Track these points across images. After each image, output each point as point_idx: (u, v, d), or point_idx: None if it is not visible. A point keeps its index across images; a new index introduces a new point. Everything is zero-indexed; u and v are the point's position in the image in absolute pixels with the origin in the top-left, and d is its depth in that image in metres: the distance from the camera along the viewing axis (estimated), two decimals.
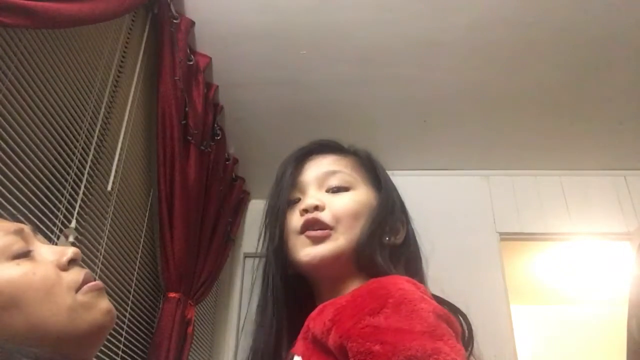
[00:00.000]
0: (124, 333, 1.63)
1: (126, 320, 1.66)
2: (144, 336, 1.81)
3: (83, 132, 1.42)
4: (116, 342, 1.57)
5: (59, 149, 1.31)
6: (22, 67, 1.15)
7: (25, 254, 0.63)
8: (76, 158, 1.38)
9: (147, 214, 1.88)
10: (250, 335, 0.79)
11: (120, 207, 1.65)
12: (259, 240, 0.84)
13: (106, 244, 1.53)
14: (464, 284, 2.42)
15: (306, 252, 0.74)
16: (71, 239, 1.29)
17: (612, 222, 2.59)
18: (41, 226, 1.21)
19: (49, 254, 0.65)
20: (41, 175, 1.23)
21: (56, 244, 1.23)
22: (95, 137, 1.47)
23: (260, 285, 0.80)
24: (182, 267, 1.89)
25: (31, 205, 1.18)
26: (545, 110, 2.37)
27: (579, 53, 2.07)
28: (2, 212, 1.06)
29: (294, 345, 0.70)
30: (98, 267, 1.47)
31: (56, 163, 1.30)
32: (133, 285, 1.73)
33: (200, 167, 2.06)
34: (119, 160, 1.59)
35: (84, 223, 1.40)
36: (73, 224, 1.32)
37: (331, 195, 0.78)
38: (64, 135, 1.33)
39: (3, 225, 0.65)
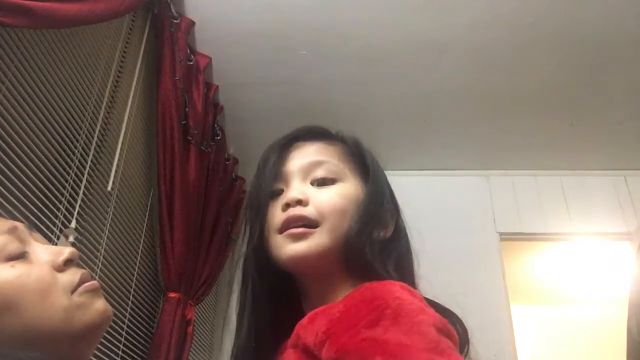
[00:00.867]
0: (124, 333, 1.63)
1: (126, 320, 1.66)
2: (144, 336, 1.81)
3: (83, 132, 1.42)
4: (116, 342, 1.57)
5: (59, 149, 1.31)
6: (22, 67, 1.15)
7: (20, 255, 0.62)
8: (76, 158, 1.38)
9: (147, 214, 1.88)
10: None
11: (120, 207, 1.65)
12: (242, 235, 0.79)
13: (106, 244, 1.53)
14: (464, 284, 2.42)
15: (287, 249, 0.69)
16: (71, 239, 1.29)
17: (612, 222, 2.59)
18: (41, 226, 1.21)
19: (45, 254, 0.64)
20: (41, 176, 1.23)
21: (56, 244, 1.23)
22: (95, 137, 1.47)
23: (240, 285, 0.76)
24: (182, 267, 1.89)
25: (31, 206, 1.18)
26: (545, 110, 2.37)
27: (579, 53, 2.07)
28: (2, 212, 1.06)
29: (281, 350, 0.67)
30: (98, 267, 1.47)
31: (56, 163, 1.30)
32: (133, 285, 1.73)
33: (201, 167, 2.06)
34: (119, 160, 1.59)
35: (84, 223, 1.40)
36: (73, 224, 1.32)
37: (316, 188, 0.72)
38: (64, 135, 1.33)
39: None
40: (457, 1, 1.87)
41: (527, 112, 2.39)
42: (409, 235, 0.78)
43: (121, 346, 1.60)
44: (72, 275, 0.64)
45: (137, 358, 1.73)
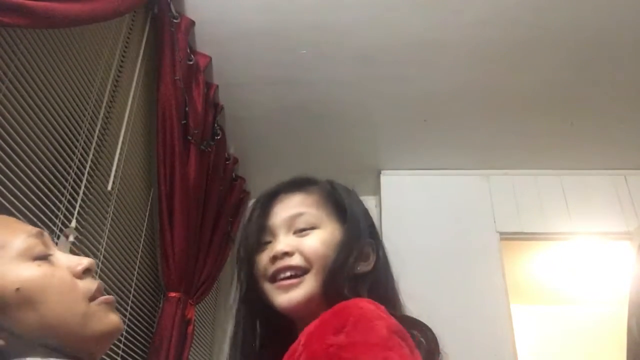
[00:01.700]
0: (124, 332, 1.63)
1: (126, 320, 1.66)
2: (144, 336, 1.81)
3: (83, 132, 1.42)
4: (116, 342, 1.57)
5: (59, 148, 1.31)
6: (22, 67, 1.15)
7: (45, 257, 0.67)
8: (76, 158, 1.38)
9: (147, 214, 1.88)
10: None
11: (121, 206, 1.65)
12: (236, 283, 0.88)
13: (106, 243, 1.53)
14: (464, 284, 2.42)
15: (280, 299, 0.78)
16: (71, 238, 1.29)
17: (612, 222, 2.59)
18: (41, 226, 1.21)
19: (66, 261, 0.69)
20: (41, 175, 1.23)
21: (56, 244, 1.23)
22: (96, 137, 1.47)
23: (233, 327, 0.84)
24: (182, 267, 1.89)
25: (31, 205, 1.18)
26: (545, 109, 2.37)
27: (580, 52, 2.06)
28: (3, 212, 1.06)
29: None
30: (98, 267, 1.47)
31: (56, 163, 1.30)
32: (133, 284, 1.73)
33: (201, 166, 2.06)
34: (119, 160, 1.59)
35: (84, 223, 1.41)
36: (73, 223, 1.32)
37: (299, 236, 0.81)
38: (64, 135, 1.33)
39: (26, 227, 0.69)
40: (457, 1, 1.86)
41: (527, 112, 2.39)
42: (390, 265, 0.86)
43: (121, 345, 1.61)
44: (90, 284, 0.69)
45: (138, 357, 1.73)
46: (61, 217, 1.29)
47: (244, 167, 2.73)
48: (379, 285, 0.82)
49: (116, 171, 1.58)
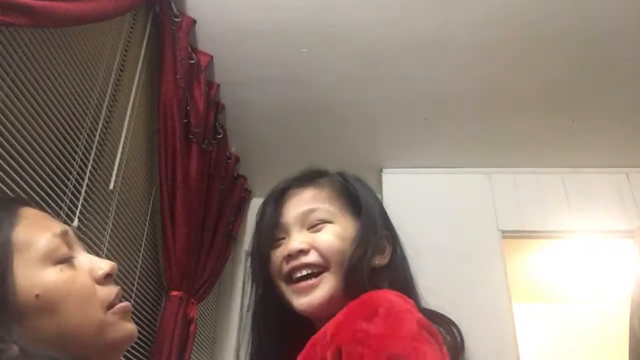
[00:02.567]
0: None
1: None
2: (146, 334, 1.81)
3: (85, 131, 1.42)
4: None
5: (61, 147, 1.31)
6: (24, 66, 1.15)
7: (67, 260, 0.65)
8: (78, 157, 1.38)
9: (149, 213, 1.88)
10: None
11: (122, 205, 1.65)
12: (250, 288, 0.85)
13: (108, 242, 1.53)
14: (466, 282, 2.42)
15: (300, 303, 0.76)
16: None
17: (614, 220, 2.58)
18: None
19: (87, 263, 0.67)
20: (43, 174, 1.23)
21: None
22: (97, 136, 1.47)
23: (250, 326, 0.83)
24: (184, 266, 1.90)
25: (33, 204, 1.18)
26: (547, 108, 2.36)
27: (582, 51, 2.06)
28: None
29: None
30: None
31: (58, 162, 1.30)
32: (135, 283, 1.73)
33: (202, 165, 2.06)
34: (120, 158, 1.60)
35: (86, 221, 1.41)
36: (75, 222, 1.32)
37: (313, 231, 0.79)
38: (66, 134, 1.33)
39: (51, 225, 0.67)
40: (457, 0, 1.86)
41: (528, 110, 2.38)
42: (407, 258, 0.84)
43: None
44: (110, 290, 0.67)
45: (140, 356, 1.73)
46: (63, 215, 1.29)
47: (245, 165, 2.73)
48: (398, 278, 0.80)
49: (118, 170, 1.58)
